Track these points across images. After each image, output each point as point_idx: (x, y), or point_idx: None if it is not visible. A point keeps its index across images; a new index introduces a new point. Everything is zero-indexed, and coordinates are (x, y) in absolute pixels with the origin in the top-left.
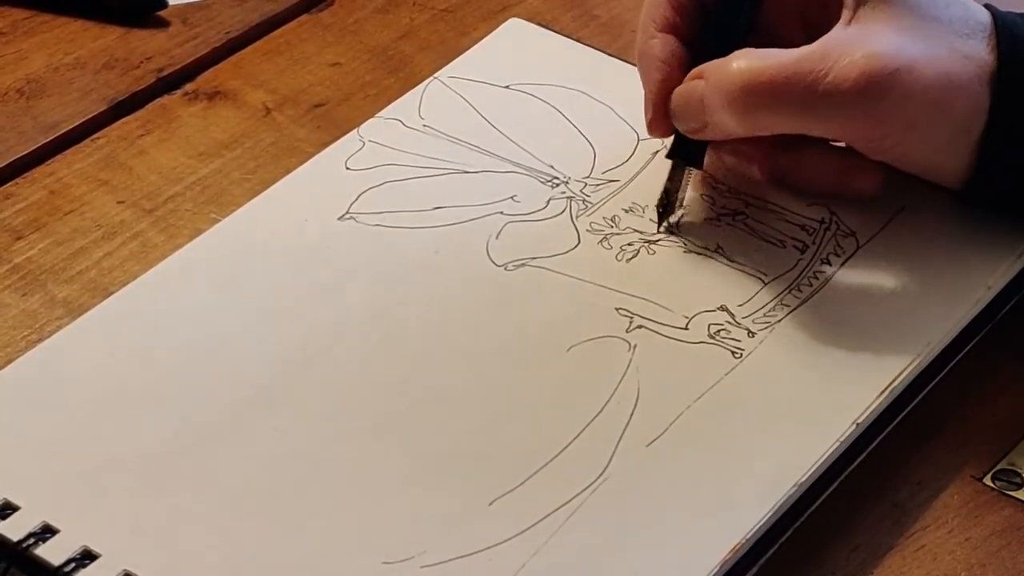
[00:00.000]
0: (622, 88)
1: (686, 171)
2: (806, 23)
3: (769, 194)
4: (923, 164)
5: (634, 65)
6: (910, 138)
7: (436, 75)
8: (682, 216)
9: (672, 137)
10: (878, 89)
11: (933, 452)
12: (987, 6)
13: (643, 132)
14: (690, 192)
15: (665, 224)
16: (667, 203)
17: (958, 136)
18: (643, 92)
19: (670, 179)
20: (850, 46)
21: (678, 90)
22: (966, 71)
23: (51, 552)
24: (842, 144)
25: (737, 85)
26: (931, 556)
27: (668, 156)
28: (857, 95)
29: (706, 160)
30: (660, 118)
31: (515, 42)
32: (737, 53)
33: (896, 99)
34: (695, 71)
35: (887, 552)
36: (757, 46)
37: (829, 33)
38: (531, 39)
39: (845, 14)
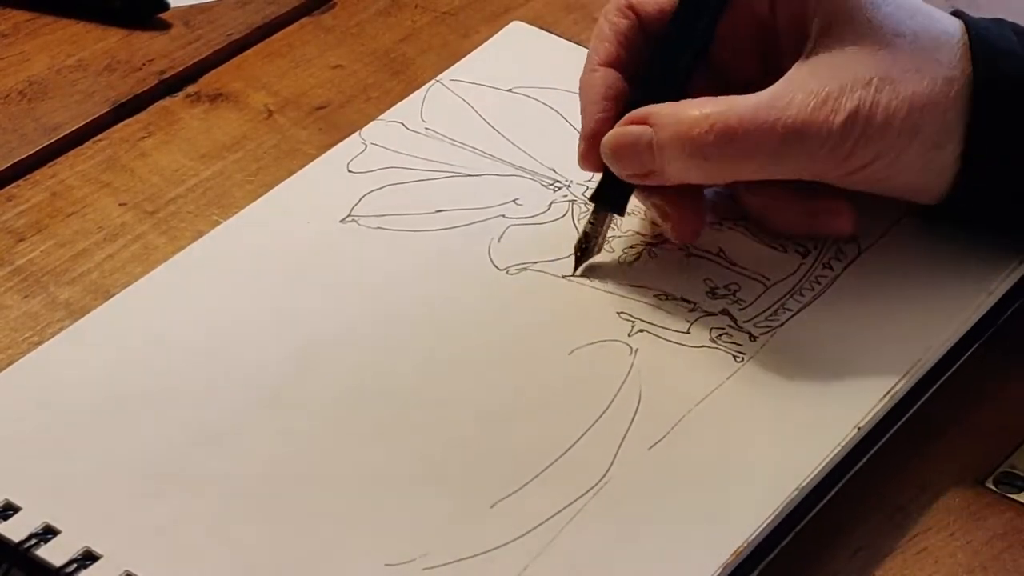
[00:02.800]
0: None
1: (608, 216)
2: (760, 55)
3: None
4: (897, 188)
5: None
6: (879, 167)
7: (438, 78)
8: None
9: (599, 179)
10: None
11: (935, 455)
12: (957, 13)
13: None
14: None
15: (582, 268)
16: (585, 247)
17: (930, 155)
18: (581, 123)
19: (590, 222)
20: (819, 83)
21: (616, 132)
22: (932, 90)
23: (52, 553)
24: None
25: (706, 133)
26: (932, 559)
27: (591, 199)
28: (834, 133)
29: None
30: (593, 153)
31: (517, 45)
32: (696, 101)
33: (859, 134)
34: (638, 114)
35: (888, 555)
36: (709, 82)
37: (793, 70)
38: (533, 42)
39: (808, 45)
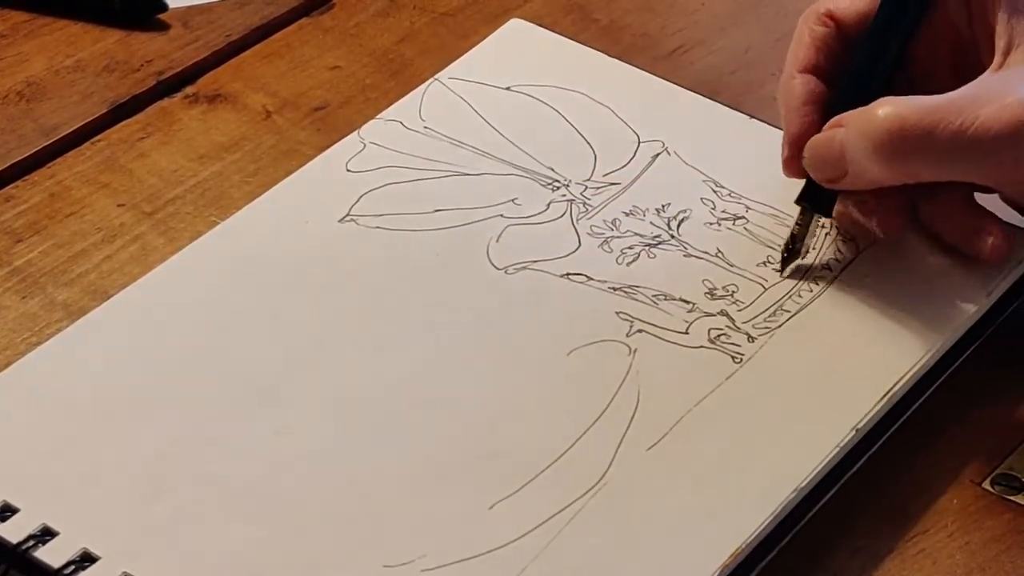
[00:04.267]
0: (623, 89)
1: (814, 218)
2: (956, 70)
3: (770, 198)
4: None
5: (635, 66)
6: None
7: (437, 76)
8: (807, 260)
9: (804, 182)
10: None
11: (933, 456)
12: None
13: (643, 134)
14: (697, 201)
15: (789, 270)
16: (792, 248)
17: None
18: (783, 129)
19: (798, 224)
20: (1000, 92)
21: (815, 139)
22: None
23: (51, 554)
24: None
25: (884, 131)
26: (931, 560)
27: (797, 201)
28: (1006, 140)
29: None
30: (795, 159)
31: (516, 43)
32: (880, 100)
33: None
34: (834, 120)
35: (887, 555)
36: (902, 94)
37: (979, 78)
38: (532, 40)
39: (996, 59)
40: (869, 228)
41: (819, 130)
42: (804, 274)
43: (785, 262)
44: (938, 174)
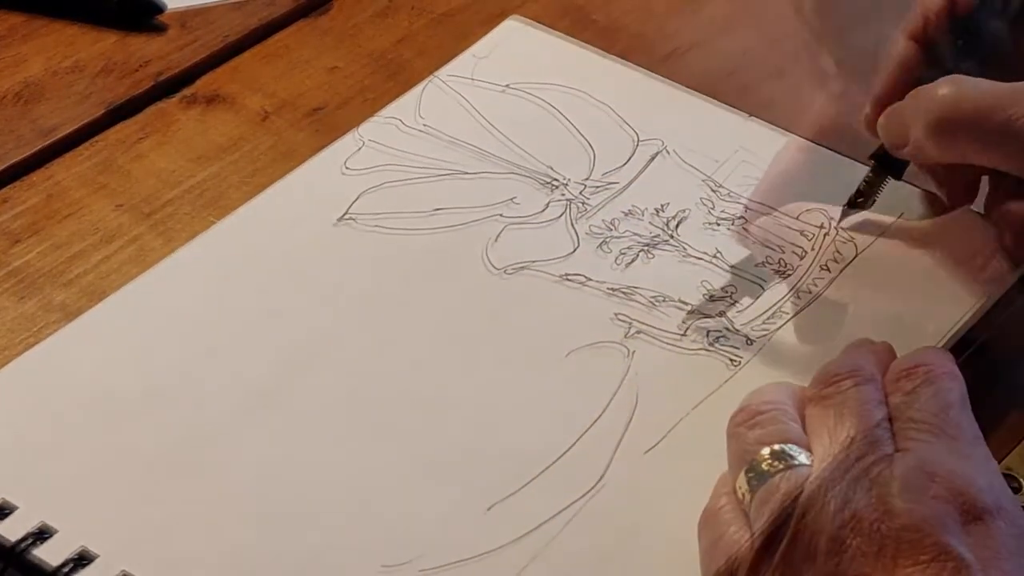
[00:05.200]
0: (621, 89)
1: (884, 178)
2: None
3: (769, 198)
4: None
5: (634, 66)
6: None
7: (435, 74)
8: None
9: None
10: None
11: None
12: None
13: (642, 134)
14: (695, 201)
15: (847, 221)
16: (854, 201)
17: None
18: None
19: (865, 181)
20: None
21: (893, 106)
22: None
23: (49, 553)
24: None
25: (938, 110)
26: None
27: (871, 157)
28: None
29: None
30: (873, 118)
31: (514, 41)
32: (945, 79)
33: None
34: (913, 91)
35: None
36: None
37: None
38: (530, 38)
39: None
40: (941, 195)
41: (900, 95)
42: (859, 227)
43: (844, 214)
44: (984, 159)
